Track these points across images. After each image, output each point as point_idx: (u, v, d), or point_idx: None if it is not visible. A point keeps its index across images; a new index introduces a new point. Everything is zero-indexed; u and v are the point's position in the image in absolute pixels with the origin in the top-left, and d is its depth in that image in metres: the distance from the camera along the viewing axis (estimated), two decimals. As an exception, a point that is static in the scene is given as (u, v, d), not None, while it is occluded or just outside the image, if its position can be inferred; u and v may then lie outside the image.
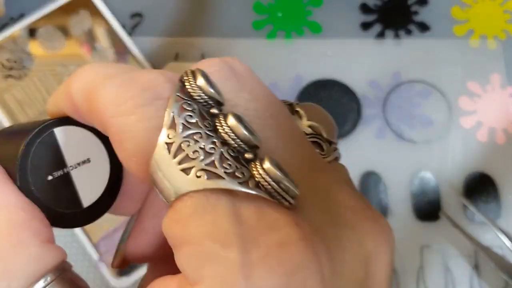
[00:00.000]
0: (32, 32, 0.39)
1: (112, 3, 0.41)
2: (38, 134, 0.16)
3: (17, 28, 0.39)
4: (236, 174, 0.13)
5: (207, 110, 0.14)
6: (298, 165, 0.14)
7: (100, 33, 0.39)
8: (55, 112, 0.16)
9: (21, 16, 0.41)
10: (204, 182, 0.12)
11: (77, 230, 0.35)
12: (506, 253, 0.35)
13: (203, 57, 0.40)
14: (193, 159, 0.13)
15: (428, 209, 0.37)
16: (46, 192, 0.15)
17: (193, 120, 0.13)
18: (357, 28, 0.41)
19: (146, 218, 0.18)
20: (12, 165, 0.15)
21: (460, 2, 0.42)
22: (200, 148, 0.13)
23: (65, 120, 0.16)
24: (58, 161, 0.16)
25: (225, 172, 0.13)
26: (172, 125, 0.13)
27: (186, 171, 0.13)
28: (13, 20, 0.41)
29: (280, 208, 0.13)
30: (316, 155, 0.15)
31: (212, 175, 0.12)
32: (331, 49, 0.40)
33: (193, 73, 0.14)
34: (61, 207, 0.16)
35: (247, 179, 0.13)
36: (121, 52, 0.39)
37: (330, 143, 0.17)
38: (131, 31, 0.41)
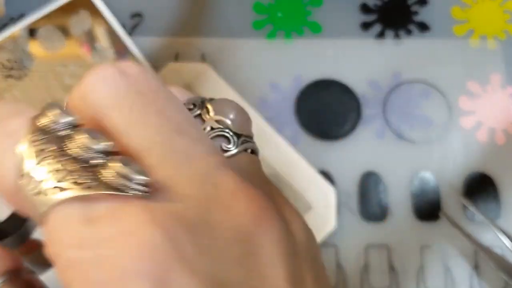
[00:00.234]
0: (32, 32, 0.39)
1: (112, 3, 0.41)
2: None
3: (17, 28, 0.39)
4: (84, 181, 0.14)
5: (60, 135, 0.15)
6: (175, 156, 0.15)
7: (100, 33, 0.39)
8: None
9: (21, 16, 0.41)
10: (56, 198, 0.13)
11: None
12: (506, 253, 0.35)
13: (203, 57, 0.40)
14: (46, 180, 0.14)
15: (428, 209, 0.37)
16: None
17: (45, 147, 0.14)
18: (357, 28, 0.41)
19: None
20: None
21: (460, 2, 0.42)
22: (53, 169, 0.14)
23: None
24: None
25: (74, 183, 0.13)
26: (28, 155, 0.14)
27: (41, 194, 0.14)
28: (13, 20, 0.41)
29: (133, 199, 0.14)
30: (196, 145, 0.15)
31: (63, 190, 0.13)
32: (331, 49, 0.40)
33: (49, 106, 0.16)
34: None
35: (96, 183, 0.14)
36: (121, 52, 0.39)
37: (239, 136, 0.17)
38: (131, 31, 0.41)
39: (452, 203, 0.37)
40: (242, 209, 0.15)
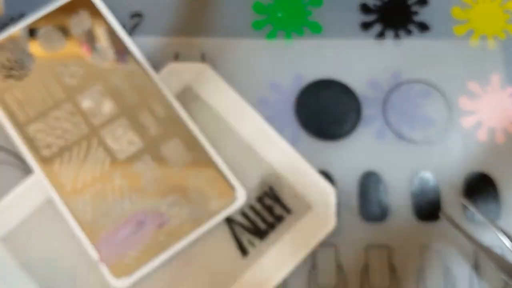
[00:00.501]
0: (32, 32, 0.39)
1: (112, 3, 0.41)
2: None
3: (17, 28, 0.39)
4: None
5: None
6: None
7: (100, 33, 0.39)
8: None
9: (21, 16, 0.41)
10: None
11: (77, 230, 0.35)
12: (506, 253, 0.35)
13: (203, 57, 0.40)
14: None
15: (428, 209, 0.37)
16: None
17: None
18: (357, 28, 0.41)
19: None
20: None
21: (460, 2, 0.42)
22: None
23: None
24: None
25: None
26: None
27: None
28: (13, 20, 0.41)
29: None
30: None
31: None
32: (331, 49, 0.41)
33: None
34: None
35: None
36: (121, 52, 0.39)
37: None
38: (131, 31, 0.41)
39: (452, 203, 0.37)
40: None
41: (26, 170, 0.37)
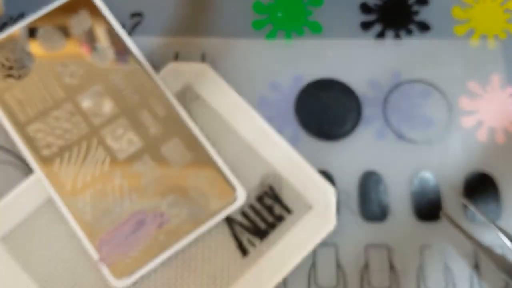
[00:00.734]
0: (32, 32, 0.39)
1: (112, 2, 0.41)
2: None
3: (17, 28, 0.39)
4: None
5: None
6: None
7: (100, 33, 0.39)
8: None
9: (21, 16, 0.41)
10: None
11: (78, 230, 0.35)
12: (506, 253, 0.35)
13: (203, 56, 0.40)
14: None
15: (428, 209, 0.37)
16: None
17: None
18: (357, 28, 0.41)
19: None
20: None
21: (461, 2, 0.42)
22: None
23: None
24: None
25: None
26: None
27: None
28: (13, 20, 0.41)
29: None
30: None
31: None
32: (331, 49, 0.40)
33: None
34: None
35: None
36: (121, 52, 0.39)
37: None
38: (131, 31, 0.41)
39: (452, 203, 0.37)
40: None
41: (26, 170, 0.37)
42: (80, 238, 0.35)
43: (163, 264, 0.35)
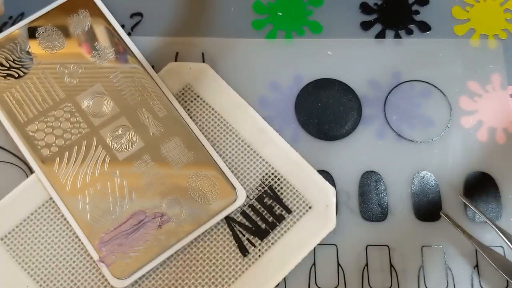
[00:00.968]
0: (31, 31, 0.39)
1: (111, 2, 0.40)
2: None
3: (17, 27, 0.39)
4: None
5: None
6: None
7: (100, 32, 0.39)
8: None
9: (21, 15, 0.41)
10: None
11: (78, 230, 0.35)
12: (506, 253, 0.35)
13: (203, 56, 0.40)
14: None
15: (428, 209, 0.37)
16: None
17: None
18: (357, 28, 0.41)
19: None
20: None
21: (461, 1, 0.42)
22: None
23: None
24: None
25: None
26: None
27: None
28: (12, 19, 0.41)
29: None
30: None
31: None
32: (331, 49, 0.40)
33: None
34: None
35: None
36: (121, 51, 0.39)
37: None
38: (131, 31, 0.41)
39: (452, 203, 0.37)
40: None
41: (26, 170, 0.37)
42: (80, 238, 0.35)
43: (163, 264, 0.35)
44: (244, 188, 0.36)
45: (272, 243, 0.35)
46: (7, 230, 0.35)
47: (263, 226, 0.36)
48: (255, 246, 0.35)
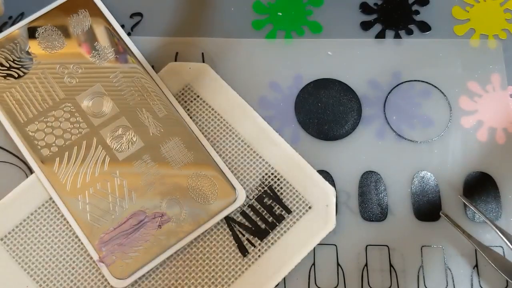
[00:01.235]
0: (31, 31, 0.39)
1: (111, 2, 0.40)
2: None
3: (17, 28, 0.39)
4: None
5: None
6: None
7: (100, 32, 0.39)
8: None
9: (21, 15, 0.41)
10: None
11: (78, 230, 0.35)
12: (506, 253, 0.35)
13: (203, 56, 0.40)
14: None
15: (428, 209, 0.37)
16: None
17: None
18: (357, 28, 0.41)
19: None
20: None
21: (461, 1, 0.42)
22: None
23: None
24: None
25: None
26: None
27: None
28: (12, 19, 0.40)
29: None
30: None
31: None
32: (331, 49, 0.40)
33: None
34: None
35: None
36: (121, 51, 0.39)
37: None
38: (130, 31, 0.41)
39: (452, 203, 0.37)
40: None
41: (26, 170, 0.37)
42: (80, 238, 0.35)
43: (163, 264, 0.35)
44: (244, 188, 0.36)
45: (272, 243, 0.35)
46: (7, 230, 0.35)
47: (263, 226, 0.36)
48: (255, 246, 0.35)
